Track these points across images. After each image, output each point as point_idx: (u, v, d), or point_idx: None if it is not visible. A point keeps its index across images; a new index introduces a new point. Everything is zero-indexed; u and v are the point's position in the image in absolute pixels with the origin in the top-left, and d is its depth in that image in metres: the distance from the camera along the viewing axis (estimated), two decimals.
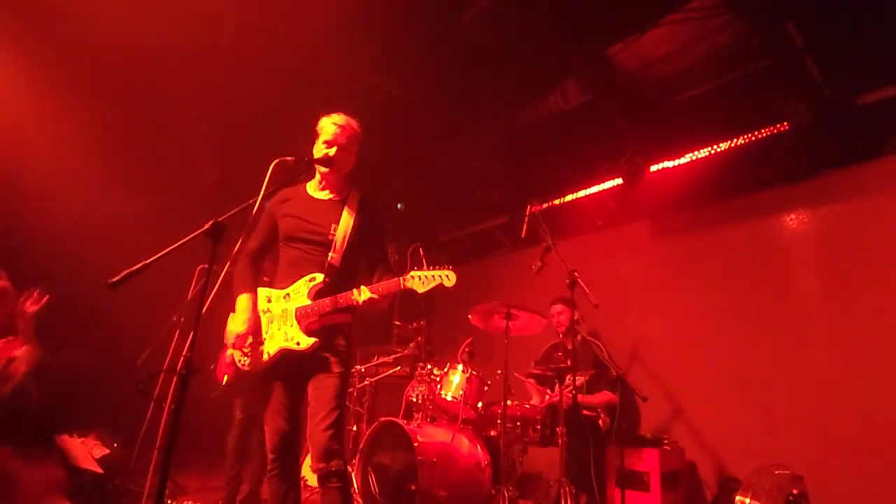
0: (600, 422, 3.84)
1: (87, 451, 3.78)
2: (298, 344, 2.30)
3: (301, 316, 2.33)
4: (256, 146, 4.87)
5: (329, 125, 2.48)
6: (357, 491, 3.60)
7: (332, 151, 2.45)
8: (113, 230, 4.91)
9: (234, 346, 2.42)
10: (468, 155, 5.65)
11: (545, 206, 5.23)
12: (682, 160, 4.37)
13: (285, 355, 2.34)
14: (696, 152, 4.32)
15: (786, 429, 3.62)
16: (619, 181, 4.75)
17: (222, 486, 3.84)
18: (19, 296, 3.23)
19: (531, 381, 4.13)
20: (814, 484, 3.10)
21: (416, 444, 3.33)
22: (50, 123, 4.60)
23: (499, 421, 3.48)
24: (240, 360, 2.47)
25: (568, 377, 3.51)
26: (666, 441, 3.74)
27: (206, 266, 1.81)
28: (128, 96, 4.70)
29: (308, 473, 3.82)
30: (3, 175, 4.53)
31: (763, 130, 4.02)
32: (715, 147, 4.22)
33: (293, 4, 3.96)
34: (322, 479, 2.20)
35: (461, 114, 5.33)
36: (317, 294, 2.34)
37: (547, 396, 3.90)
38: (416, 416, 3.78)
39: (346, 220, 2.47)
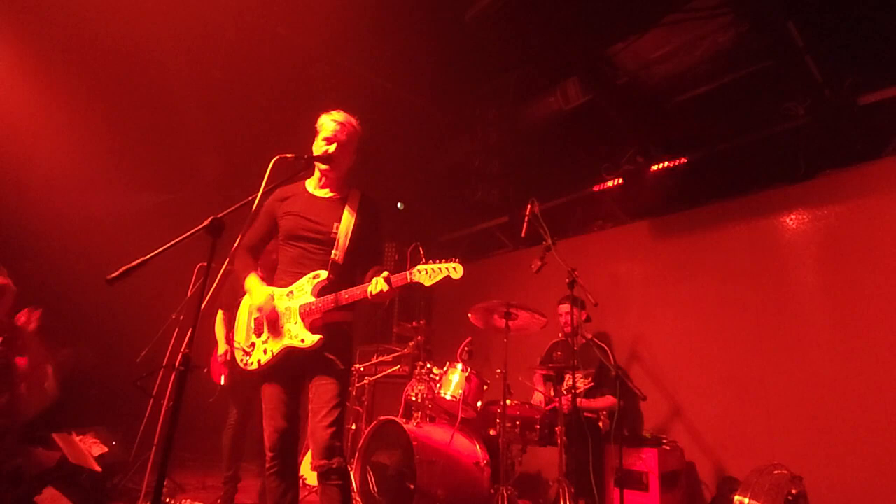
0: (600, 423, 3.83)
1: (85, 449, 3.78)
2: (303, 341, 2.29)
3: (305, 313, 2.33)
4: (256, 143, 4.88)
5: (329, 122, 2.48)
6: (356, 490, 3.59)
7: (332, 148, 2.44)
8: (112, 227, 4.92)
9: (260, 317, 2.41)
10: (468, 155, 5.65)
11: (545, 205, 5.22)
12: (683, 160, 4.37)
13: (289, 353, 2.33)
14: (696, 152, 4.32)
15: (785, 429, 3.62)
16: (619, 181, 4.74)
17: (220, 485, 3.84)
18: (17, 295, 3.24)
19: (539, 385, 4.11)
20: (812, 484, 3.10)
21: (414, 444, 3.33)
22: (51, 121, 4.59)
23: (498, 420, 3.48)
24: (242, 359, 2.46)
25: (567, 377, 3.50)
26: (665, 441, 3.74)
27: (206, 264, 1.80)
28: (128, 93, 4.70)
29: (307, 472, 3.82)
30: (4, 172, 4.52)
31: (763, 130, 4.02)
32: (715, 147, 4.22)
33: (294, 2, 3.96)
34: (322, 476, 2.19)
35: (461, 114, 5.34)
36: (321, 291, 2.34)
37: (547, 397, 3.89)
38: (415, 415, 3.78)
39: (348, 219, 2.46)
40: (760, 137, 4.06)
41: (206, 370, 3.94)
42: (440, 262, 2.20)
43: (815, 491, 3.12)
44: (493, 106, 5.14)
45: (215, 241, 1.83)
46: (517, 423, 3.65)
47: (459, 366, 3.83)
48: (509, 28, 4.07)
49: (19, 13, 4.05)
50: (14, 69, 4.35)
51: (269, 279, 2.53)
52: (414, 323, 4.72)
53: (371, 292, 2.22)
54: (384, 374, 4.69)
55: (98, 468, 3.67)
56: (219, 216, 1.84)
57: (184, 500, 3.85)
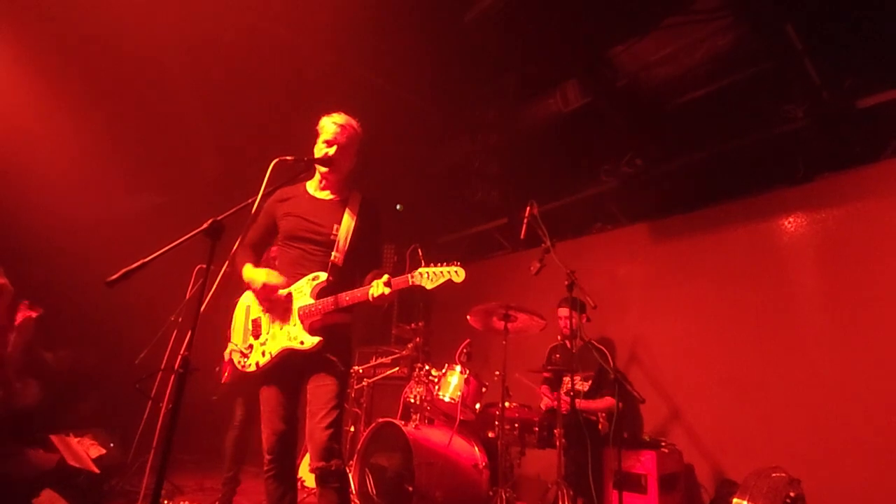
0: (599, 426, 3.83)
1: (83, 451, 3.77)
2: (302, 343, 2.29)
3: (304, 315, 2.32)
4: (256, 144, 4.88)
5: (329, 125, 2.48)
6: (354, 492, 3.59)
7: (332, 151, 2.45)
8: (112, 228, 4.91)
9: (265, 297, 2.41)
10: (467, 156, 5.65)
11: (544, 207, 5.22)
12: (682, 162, 4.37)
13: (288, 355, 2.33)
14: (695, 154, 4.32)
15: (783, 431, 3.62)
16: (618, 183, 4.75)
17: (219, 486, 3.82)
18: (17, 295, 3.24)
19: (543, 388, 4.11)
20: (811, 487, 3.10)
21: (413, 446, 3.33)
22: (50, 121, 4.58)
23: (497, 422, 3.48)
24: (239, 361, 2.45)
25: (566, 379, 3.50)
26: (663, 443, 3.73)
27: (205, 266, 1.80)
28: (127, 95, 4.69)
29: (305, 474, 3.81)
30: (3, 173, 4.51)
31: (762, 133, 4.02)
32: (714, 149, 4.22)
33: (294, 3, 3.96)
34: (320, 478, 2.19)
35: (461, 115, 5.33)
36: (320, 293, 2.34)
37: (547, 399, 3.89)
38: (413, 417, 3.77)
39: (348, 221, 2.46)
40: (759, 140, 4.06)
41: (217, 369, 3.92)
42: (442, 266, 2.20)
43: (814, 494, 3.11)
44: (493, 107, 5.14)
45: (215, 244, 1.83)
46: (516, 425, 3.65)
47: (458, 368, 3.83)
48: (509, 30, 4.08)
49: (19, 14, 4.05)
50: (14, 69, 4.34)
51: None
52: (413, 325, 4.71)
53: (372, 295, 2.22)
54: (383, 375, 4.69)
55: (96, 470, 3.67)
56: (218, 218, 1.84)
57: (181, 502, 3.85)
